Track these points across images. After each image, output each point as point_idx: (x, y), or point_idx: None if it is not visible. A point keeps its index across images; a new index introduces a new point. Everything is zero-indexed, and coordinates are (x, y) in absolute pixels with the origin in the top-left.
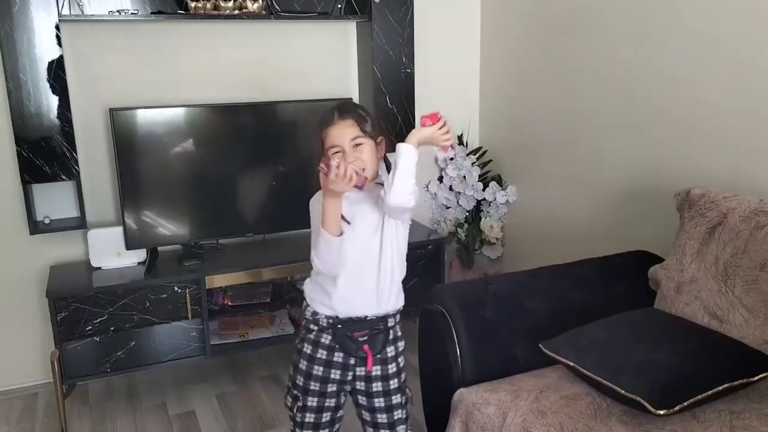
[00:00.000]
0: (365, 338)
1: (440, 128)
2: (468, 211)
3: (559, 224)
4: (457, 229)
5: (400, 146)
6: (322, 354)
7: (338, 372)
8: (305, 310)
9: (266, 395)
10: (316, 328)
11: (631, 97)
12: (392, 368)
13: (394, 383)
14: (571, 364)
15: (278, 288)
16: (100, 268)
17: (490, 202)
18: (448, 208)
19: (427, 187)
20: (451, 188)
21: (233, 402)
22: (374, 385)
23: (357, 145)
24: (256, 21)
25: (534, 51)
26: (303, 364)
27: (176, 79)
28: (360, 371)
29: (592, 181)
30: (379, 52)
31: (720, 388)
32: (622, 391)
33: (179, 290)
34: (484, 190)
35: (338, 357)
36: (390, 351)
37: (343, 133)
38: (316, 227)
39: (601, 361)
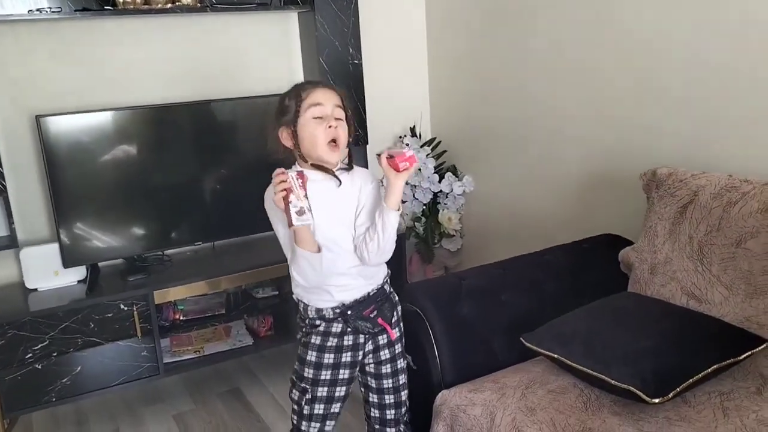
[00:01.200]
0: (375, 313)
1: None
2: (425, 204)
3: (519, 212)
4: (415, 223)
5: (389, 215)
6: (332, 342)
7: (349, 354)
8: (306, 310)
9: (227, 411)
10: (323, 322)
11: (586, 78)
12: (396, 332)
13: (398, 347)
14: (555, 356)
15: (233, 298)
16: (36, 289)
17: (447, 193)
18: (404, 202)
19: (382, 181)
20: (406, 182)
21: (192, 421)
22: (382, 353)
23: (337, 118)
24: (191, 14)
25: (483, 35)
26: (312, 356)
27: (107, 81)
28: (369, 347)
29: (550, 166)
30: (324, 44)
31: (709, 370)
32: (613, 382)
33: (126, 308)
34: (440, 181)
35: (348, 340)
36: (395, 316)
37: (329, 97)
38: (284, 235)
39: (586, 351)
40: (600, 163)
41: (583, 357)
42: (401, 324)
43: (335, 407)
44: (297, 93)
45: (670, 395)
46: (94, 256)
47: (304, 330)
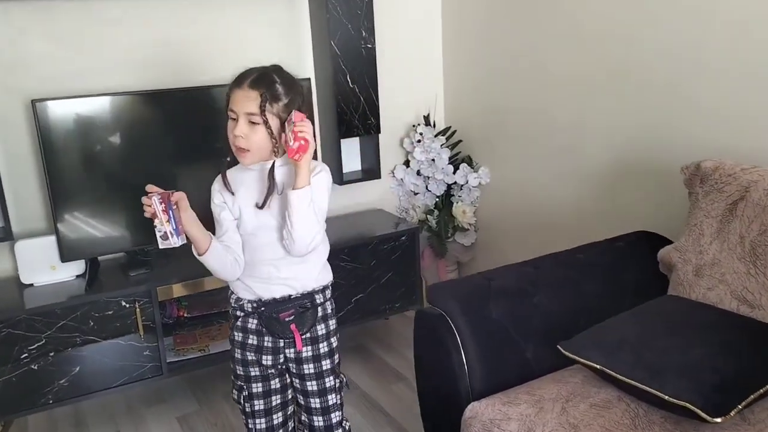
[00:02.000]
0: (291, 318)
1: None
2: (438, 197)
3: (538, 205)
4: (427, 216)
5: (290, 196)
6: (252, 339)
7: (270, 357)
8: (230, 297)
9: (233, 412)
10: (242, 314)
11: (614, 61)
12: (324, 348)
13: (326, 364)
14: (598, 367)
15: None
16: (32, 284)
17: (462, 185)
18: (416, 194)
19: (393, 172)
20: (418, 173)
21: (197, 423)
22: (305, 366)
23: (252, 122)
24: None
25: (502, 17)
26: (237, 353)
27: (107, 64)
28: (290, 353)
29: (574, 157)
30: (336, 26)
31: None
32: (668, 398)
33: (127, 305)
34: (454, 173)
35: (268, 341)
36: (320, 329)
37: (243, 104)
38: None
39: (635, 362)
40: (629, 154)
41: (631, 368)
42: (332, 340)
43: (276, 399)
44: (228, 88)
45: (732, 413)
46: (94, 250)
47: (231, 324)
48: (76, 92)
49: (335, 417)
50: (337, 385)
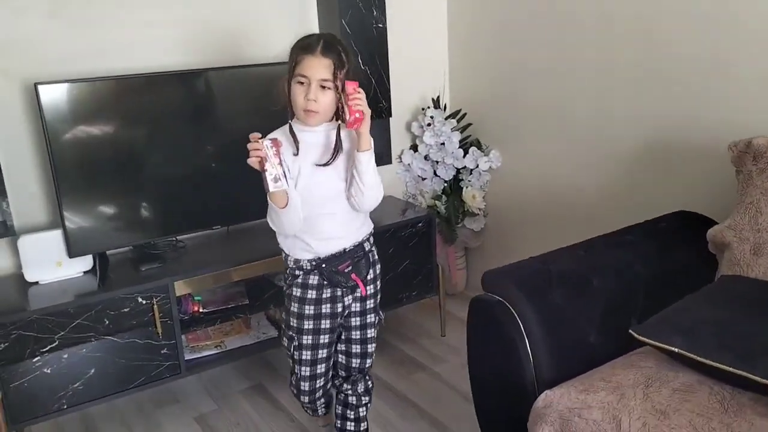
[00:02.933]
0: (350, 268)
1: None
2: (446, 182)
3: (551, 188)
4: (436, 202)
5: (358, 157)
6: (311, 294)
7: (329, 306)
8: (287, 260)
9: (254, 409)
10: (301, 272)
11: (642, 34)
12: (371, 289)
13: (370, 303)
14: (677, 350)
15: (252, 287)
16: (37, 282)
17: (472, 169)
18: (423, 179)
19: (400, 158)
20: (426, 157)
21: (218, 423)
22: (353, 305)
23: (323, 87)
24: None
25: None
26: (295, 307)
27: (112, 46)
28: (348, 300)
29: (596, 139)
30: (347, 5)
31: None
32: (760, 379)
33: (144, 301)
34: (464, 157)
35: (327, 293)
36: (370, 273)
37: (317, 71)
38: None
39: (718, 345)
40: (656, 134)
41: (716, 351)
42: (377, 282)
43: (322, 353)
44: (294, 54)
45: None
46: (104, 244)
47: (287, 281)
48: (81, 75)
49: (370, 348)
50: (376, 321)
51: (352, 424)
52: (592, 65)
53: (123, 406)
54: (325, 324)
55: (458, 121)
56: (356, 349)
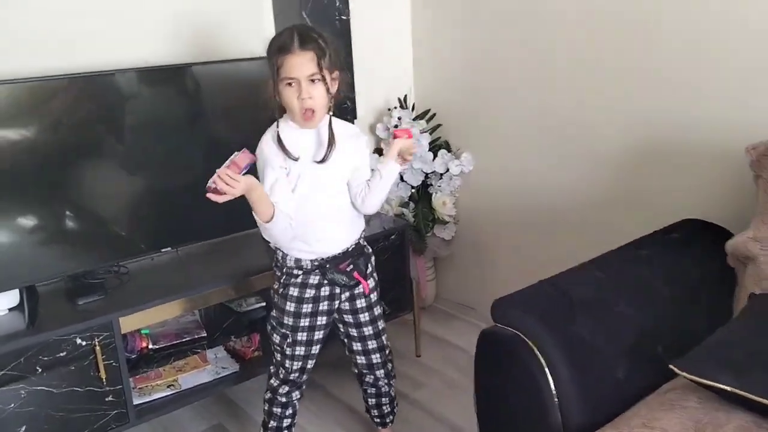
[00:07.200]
0: (350, 267)
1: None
2: (414, 188)
3: (526, 194)
4: (403, 210)
5: (390, 169)
6: (309, 293)
7: (326, 303)
8: (284, 259)
9: None
10: (301, 272)
11: (630, 25)
12: (371, 282)
13: (374, 296)
14: (729, 389)
15: (209, 316)
16: None
17: (441, 174)
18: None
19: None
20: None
21: None
22: (359, 302)
23: (313, 80)
24: None
25: None
26: (291, 306)
27: (21, 41)
28: (344, 296)
29: (579, 140)
30: None
31: None
32: None
33: (84, 342)
34: (433, 160)
35: (325, 291)
36: (368, 267)
37: (303, 68)
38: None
39: None
40: (646, 133)
41: None
42: (375, 274)
43: (315, 349)
44: (273, 57)
45: None
46: (32, 275)
47: (282, 280)
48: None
49: (385, 339)
50: (383, 312)
51: (386, 400)
52: (574, 56)
53: None
54: (321, 320)
55: (427, 122)
56: (372, 344)
